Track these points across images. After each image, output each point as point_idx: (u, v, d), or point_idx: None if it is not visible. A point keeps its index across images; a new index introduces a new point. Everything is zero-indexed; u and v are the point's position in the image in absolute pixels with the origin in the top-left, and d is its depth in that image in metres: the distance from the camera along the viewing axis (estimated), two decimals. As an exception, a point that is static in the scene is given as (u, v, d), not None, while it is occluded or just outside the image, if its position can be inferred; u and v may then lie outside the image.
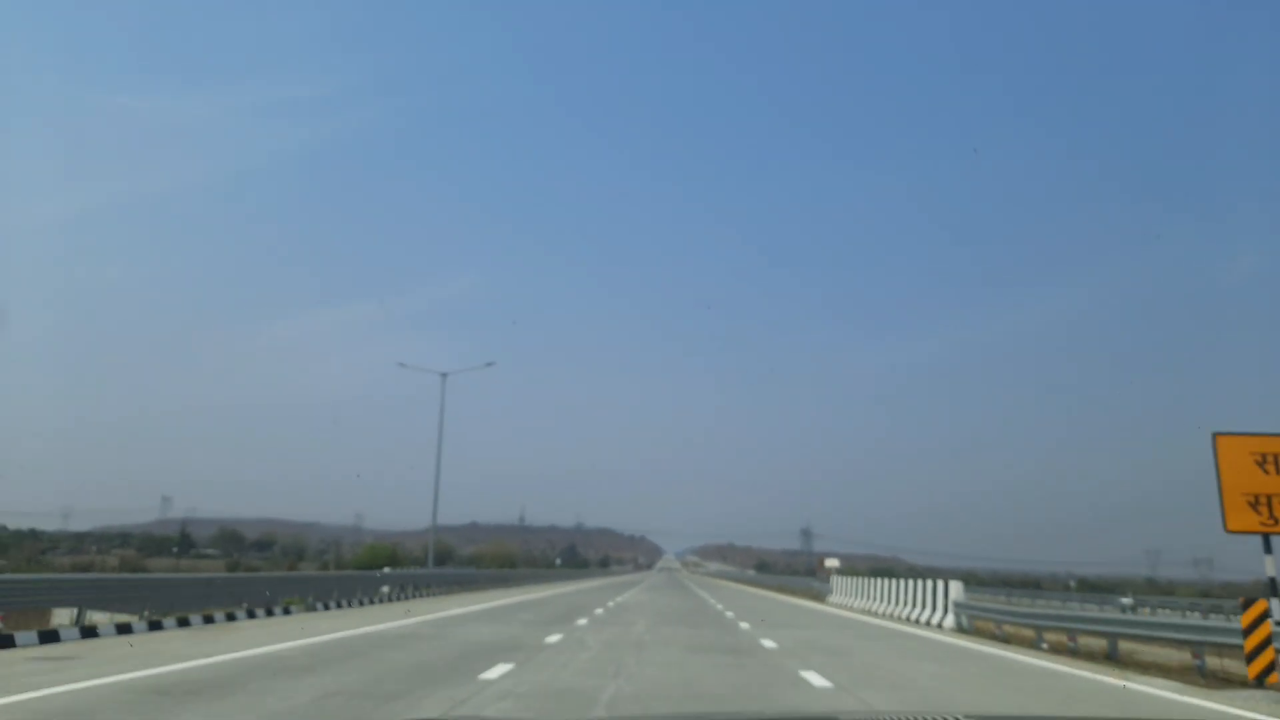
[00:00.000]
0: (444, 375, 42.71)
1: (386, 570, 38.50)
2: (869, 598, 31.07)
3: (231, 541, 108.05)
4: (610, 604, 29.07)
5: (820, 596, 43.39)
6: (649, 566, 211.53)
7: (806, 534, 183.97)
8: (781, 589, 58.66)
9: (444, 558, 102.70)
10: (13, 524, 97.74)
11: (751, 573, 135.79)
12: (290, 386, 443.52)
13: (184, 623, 16.52)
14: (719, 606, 31.30)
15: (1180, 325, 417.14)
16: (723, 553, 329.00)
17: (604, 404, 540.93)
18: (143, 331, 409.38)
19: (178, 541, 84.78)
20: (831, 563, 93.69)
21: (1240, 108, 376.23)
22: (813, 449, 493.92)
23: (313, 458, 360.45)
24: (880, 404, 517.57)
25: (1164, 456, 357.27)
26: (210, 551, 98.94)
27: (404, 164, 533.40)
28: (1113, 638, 14.63)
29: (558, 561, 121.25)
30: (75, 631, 13.86)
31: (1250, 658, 11.21)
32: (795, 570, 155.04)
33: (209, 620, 17.39)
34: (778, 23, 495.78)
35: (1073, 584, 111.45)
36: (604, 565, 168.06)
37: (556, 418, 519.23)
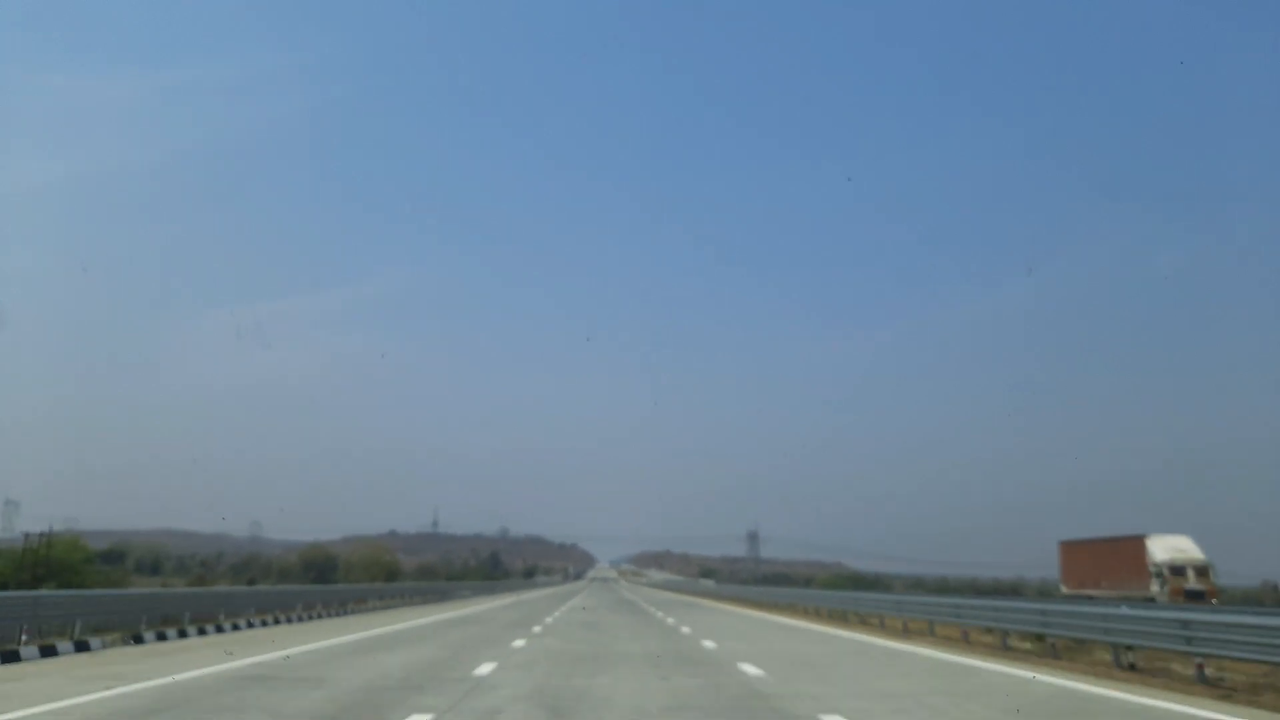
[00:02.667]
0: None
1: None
2: None
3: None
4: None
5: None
6: (579, 576, 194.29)
7: (753, 538, 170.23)
8: (845, 618, 29.48)
9: (326, 570, 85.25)
10: None
11: (709, 583, 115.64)
12: (196, 386, 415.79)
13: None
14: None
15: (1139, 321, 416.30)
16: (660, 560, 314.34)
17: (532, 408, 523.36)
18: (37, 325, 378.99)
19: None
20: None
21: (1203, 103, 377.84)
22: (753, 452, 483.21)
23: (218, 464, 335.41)
24: (824, 404, 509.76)
25: (1128, 457, 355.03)
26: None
27: (326, 155, 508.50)
28: None
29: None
30: None
31: None
32: (742, 579, 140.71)
33: None
34: (737, 13, 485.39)
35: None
36: (529, 576, 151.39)
37: (482, 422, 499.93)
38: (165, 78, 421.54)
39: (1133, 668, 14.59)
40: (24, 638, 15.11)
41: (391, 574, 56.09)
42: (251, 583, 47.65)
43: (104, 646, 16.24)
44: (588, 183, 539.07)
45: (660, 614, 32.97)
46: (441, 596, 46.99)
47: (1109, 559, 46.04)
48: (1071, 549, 51.54)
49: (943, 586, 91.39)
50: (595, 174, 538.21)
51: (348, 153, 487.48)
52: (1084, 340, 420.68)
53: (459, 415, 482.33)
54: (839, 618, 30.04)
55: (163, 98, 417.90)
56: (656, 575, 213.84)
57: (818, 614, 33.49)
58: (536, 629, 21.83)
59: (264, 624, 22.84)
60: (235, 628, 21.05)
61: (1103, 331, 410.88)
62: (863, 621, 27.67)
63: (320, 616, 27.53)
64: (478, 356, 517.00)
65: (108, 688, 10.16)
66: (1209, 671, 12.81)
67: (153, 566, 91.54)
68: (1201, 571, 41.15)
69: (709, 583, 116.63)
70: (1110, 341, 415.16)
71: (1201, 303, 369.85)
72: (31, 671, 12.30)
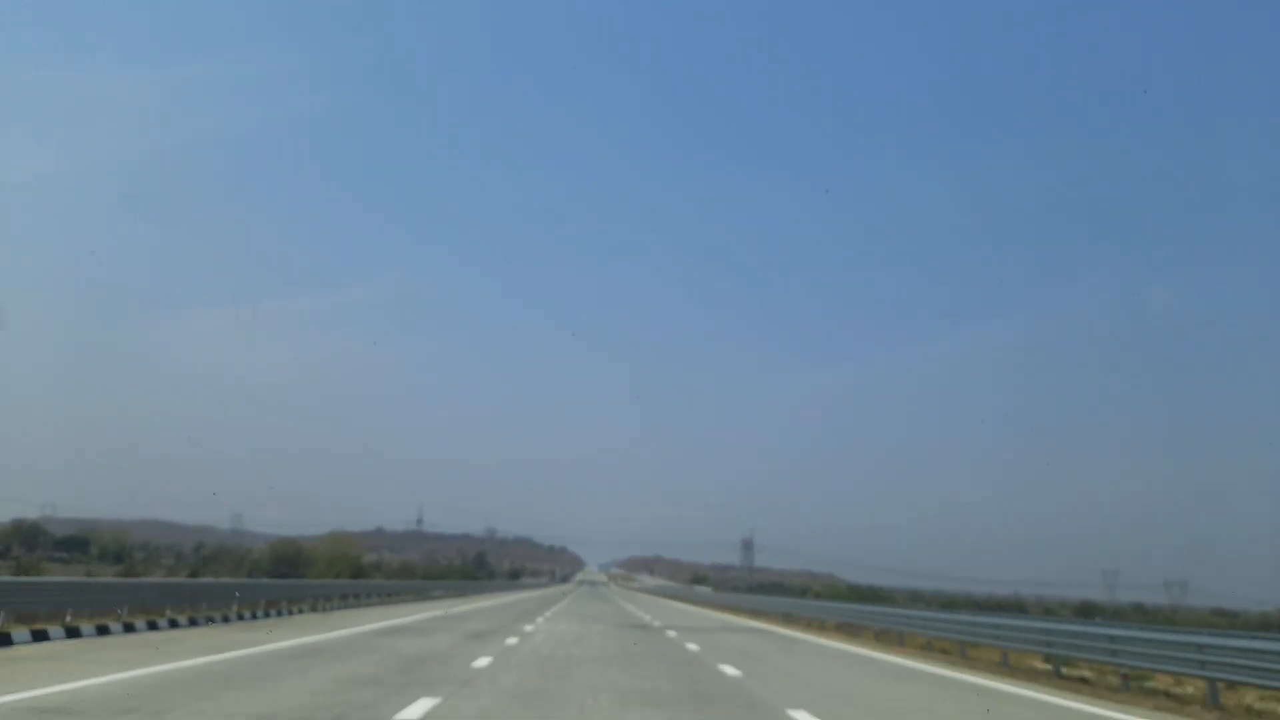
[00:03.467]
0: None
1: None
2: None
3: (24, 537, 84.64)
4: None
5: None
6: (566, 579, 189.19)
7: (748, 545, 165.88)
8: None
9: (296, 564, 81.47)
10: None
11: (705, 590, 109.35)
12: (195, 381, 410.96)
13: None
14: None
15: (1129, 352, 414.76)
16: (649, 565, 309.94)
17: (524, 411, 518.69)
18: (32, 317, 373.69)
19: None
20: None
21: (1199, 145, 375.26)
22: (749, 462, 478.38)
23: (209, 458, 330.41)
24: (823, 418, 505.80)
25: (1120, 477, 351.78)
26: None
27: (325, 157, 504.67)
28: None
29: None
30: None
31: None
32: (734, 586, 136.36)
33: None
34: (737, 35, 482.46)
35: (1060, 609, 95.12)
36: (514, 577, 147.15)
37: (473, 423, 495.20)
38: (167, 75, 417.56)
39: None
40: None
41: (358, 571, 51.88)
42: (194, 575, 43.50)
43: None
44: (584, 190, 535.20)
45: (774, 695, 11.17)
46: (388, 598, 42.07)
47: None
48: None
49: (948, 601, 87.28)
50: (591, 183, 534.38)
51: (346, 155, 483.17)
52: (1078, 374, 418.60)
53: (450, 416, 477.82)
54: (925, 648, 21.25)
55: (164, 94, 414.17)
56: (650, 580, 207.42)
57: (874, 638, 24.62)
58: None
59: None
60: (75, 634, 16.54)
61: (1097, 366, 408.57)
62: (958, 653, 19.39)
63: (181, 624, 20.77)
64: (470, 358, 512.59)
65: None
66: None
67: (116, 555, 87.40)
68: None
69: (705, 589, 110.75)
70: (1105, 376, 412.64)
71: (1196, 339, 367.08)
72: None
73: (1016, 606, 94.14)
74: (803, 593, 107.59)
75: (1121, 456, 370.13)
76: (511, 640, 18.47)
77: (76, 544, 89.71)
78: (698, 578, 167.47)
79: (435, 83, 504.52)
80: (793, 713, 9.56)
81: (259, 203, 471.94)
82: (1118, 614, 77.17)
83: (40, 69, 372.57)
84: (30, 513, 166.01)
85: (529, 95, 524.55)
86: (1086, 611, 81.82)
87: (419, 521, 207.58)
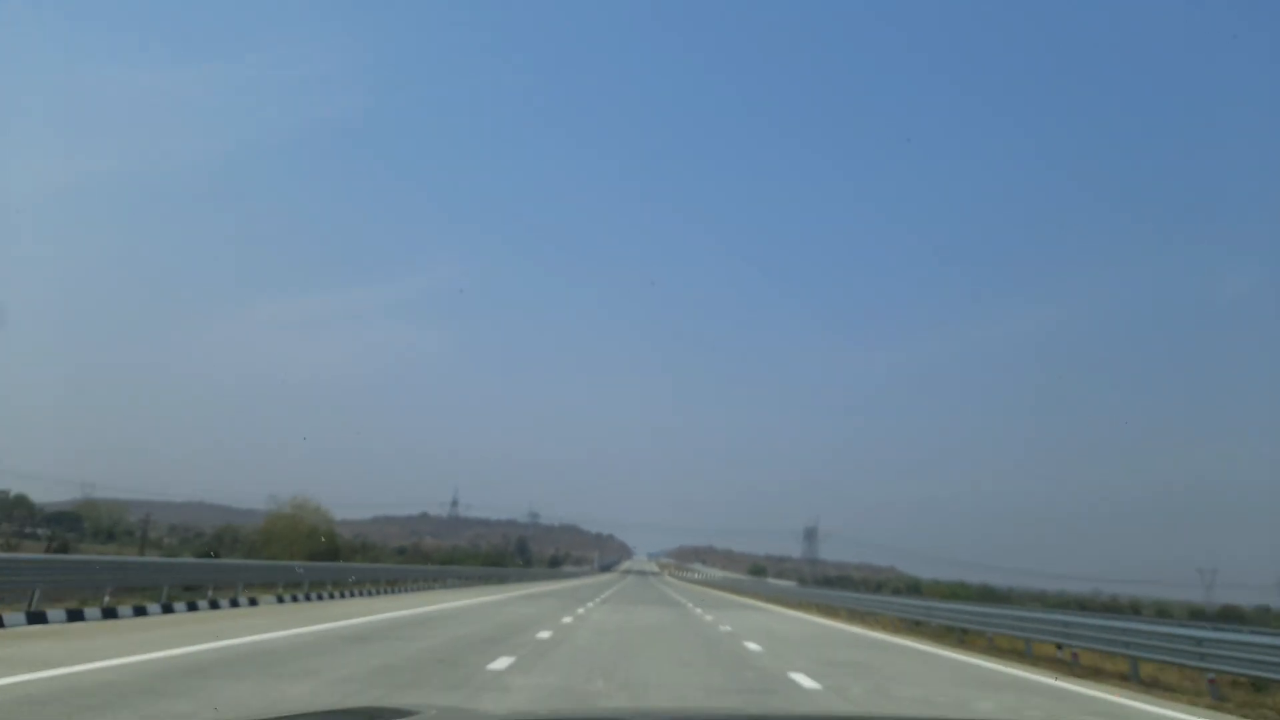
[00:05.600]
0: None
1: None
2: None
3: (8, 511, 76.71)
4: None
5: None
6: (608, 568, 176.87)
7: (811, 534, 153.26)
8: None
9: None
10: None
11: (788, 584, 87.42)
12: (254, 370, 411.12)
13: None
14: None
15: (1191, 337, 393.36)
16: (701, 555, 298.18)
17: (574, 398, 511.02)
18: (107, 309, 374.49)
19: None
20: None
21: (1224, 129, 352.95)
22: (802, 452, 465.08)
23: (267, 444, 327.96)
24: (885, 408, 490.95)
25: (1217, 472, 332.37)
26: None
27: (392, 152, 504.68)
28: None
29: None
30: None
31: None
32: (800, 578, 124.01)
33: None
34: (769, 30, 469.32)
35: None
36: (554, 565, 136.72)
37: (522, 411, 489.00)
38: (226, 73, 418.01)
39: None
40: None
41: (324, 550, 40.55)
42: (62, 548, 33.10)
43: None
44: (634, 189, 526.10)
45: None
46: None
47: None
48: None
49: (1060, 602, 74.59)
50: (641, 184, 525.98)
51: (401, 153, 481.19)
52: (1145, 358, 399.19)
53: (499, 404, 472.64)
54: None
55: (224, 93, 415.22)
56: (714, 572, 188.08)
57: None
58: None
59: None
60: None
61: (1146, 354, 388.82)
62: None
63: None
64: (523, 348, 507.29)
65: None
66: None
67: (109, 533, 79.23)
68: None
69: (786, 584, 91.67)
70: (1156, 362, 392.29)
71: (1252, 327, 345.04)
72: None
73: (1131, 609, 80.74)
74: (878, 588, 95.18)
75: (1214, 442, 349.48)
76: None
77: (66, 520, 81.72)
78: (756, 568, 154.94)
79: (489, 86, 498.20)
80: None
81: (313, 200, 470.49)
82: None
83: (105, 68, 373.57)
84: (71, 493, 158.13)
85: (575, 97, 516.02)
86: (1228, 616, 68.11)
87: (454, 504, 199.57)
